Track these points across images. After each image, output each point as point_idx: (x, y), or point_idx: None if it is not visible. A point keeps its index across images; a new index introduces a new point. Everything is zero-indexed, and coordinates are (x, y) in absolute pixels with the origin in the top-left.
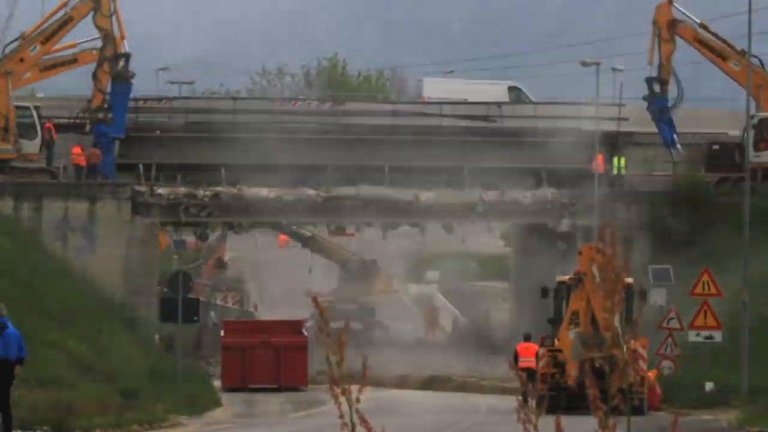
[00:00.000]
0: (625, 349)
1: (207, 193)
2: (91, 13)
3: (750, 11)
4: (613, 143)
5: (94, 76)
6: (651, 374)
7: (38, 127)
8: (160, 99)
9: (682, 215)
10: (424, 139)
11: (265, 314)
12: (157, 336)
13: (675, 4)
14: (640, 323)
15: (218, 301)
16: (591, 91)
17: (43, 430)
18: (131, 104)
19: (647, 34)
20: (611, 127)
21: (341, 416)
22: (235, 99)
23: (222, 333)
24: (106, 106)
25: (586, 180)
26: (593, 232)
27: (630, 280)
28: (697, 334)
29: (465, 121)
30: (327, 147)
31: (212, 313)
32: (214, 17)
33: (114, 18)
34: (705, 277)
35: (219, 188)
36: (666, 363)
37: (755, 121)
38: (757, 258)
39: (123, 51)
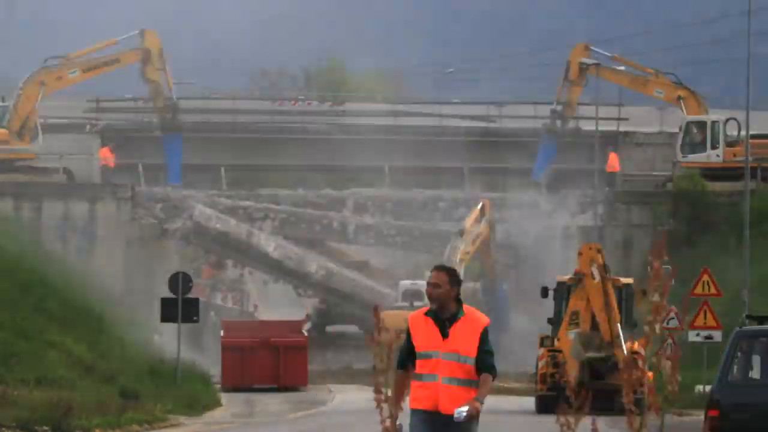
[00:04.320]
0: (625, 351)
1: (218, 226)
2: (139, 63)
3: (750, 11)
4: (612, 143)
5: (145, 77)
6: (650, 374)
7: (38, 128)
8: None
9: (682, 215)
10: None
11: (265, 314)
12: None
13: (592, 47)
14: (641, 323)
15: (218, 301)
16: (591, 92)
17: (43, 430)
18: (131, 104)
19: (648, 35)
20: (611, 127)
21: (382, 421)
22: (235, 99)
23: (222, 333)
24: (171, 102)
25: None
26: (593, 232)
27: (630, 280)
28: (697, 334)
29: (465, 121)
30: (327, 147)
31: (212, 313)
32: (213, 17)
33: (162, 70)
34: (705, 277)
35: (232, 228)
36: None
37: (683, 123)
38: (757, 258)
39: (171, 101)
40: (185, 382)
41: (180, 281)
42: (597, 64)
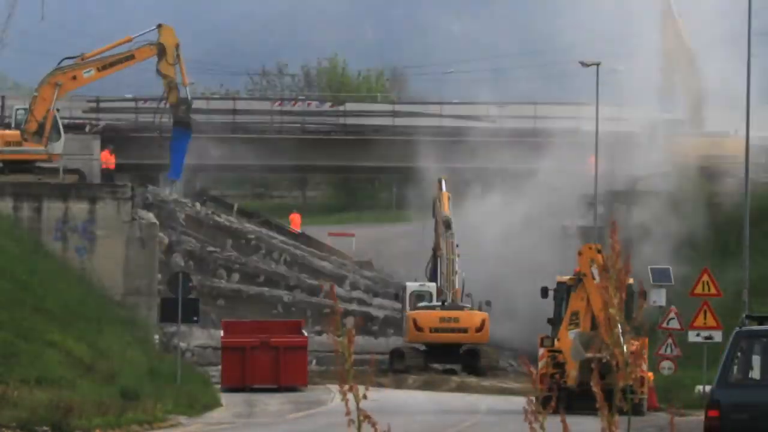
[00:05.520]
0: (625, 349)
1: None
2: (154, 58)
3: (750, 11)
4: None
5: (159, 72)
6: (650, 375)
7: (61, 129)
8: (160, 99)
9: (683, 215)
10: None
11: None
12: None
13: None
14: (640, 323)
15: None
16: (591, 92)
17: (43, 430)
18: (131, 104)
19: (648, 34)
20: (611, 127)
21: (348, 413)
22: (235, 99)
23: (222, 333)
24: (184, 98)
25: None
26: (593, 232)
27: (630, 280)
28: (697, 334)
29: (465, 121)
30: (327, 147)
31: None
32: (213, 17)
33: (177, 66)
34: (705, 277)
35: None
36: (666, 363)
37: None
38: (757, 258)
39: (184, 96)
40: (185, 382)
41: (180, 281)
42: None
